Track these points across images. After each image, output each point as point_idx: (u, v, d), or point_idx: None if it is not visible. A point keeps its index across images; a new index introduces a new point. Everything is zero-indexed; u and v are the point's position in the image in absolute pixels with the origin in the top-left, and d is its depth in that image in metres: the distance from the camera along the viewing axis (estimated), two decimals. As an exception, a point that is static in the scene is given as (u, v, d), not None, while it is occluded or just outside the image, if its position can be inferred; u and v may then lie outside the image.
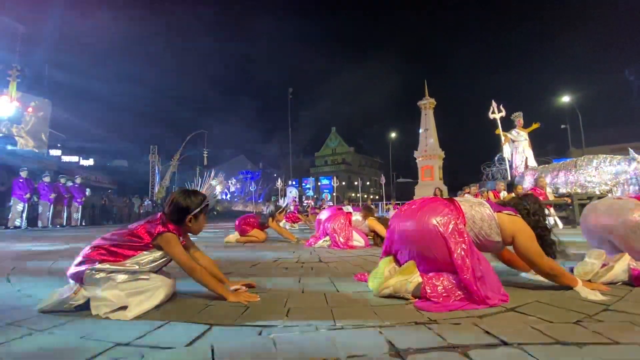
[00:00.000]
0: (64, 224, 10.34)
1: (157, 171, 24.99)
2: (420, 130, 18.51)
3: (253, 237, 4.45)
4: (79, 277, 1.37)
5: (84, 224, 11.30)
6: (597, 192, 6.96)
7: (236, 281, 1.76)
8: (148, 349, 0.96)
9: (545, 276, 1.56)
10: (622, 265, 1.68)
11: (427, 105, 18.44)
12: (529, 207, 1.65)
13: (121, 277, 1.37)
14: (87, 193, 11.71)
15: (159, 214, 1.59)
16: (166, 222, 1.52)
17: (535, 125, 9.28)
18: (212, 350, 0.94)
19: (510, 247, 1.67)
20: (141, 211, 16.87)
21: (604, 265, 1.70)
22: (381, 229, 3.75)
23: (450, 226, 1.47)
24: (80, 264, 1.39)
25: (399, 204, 9.34)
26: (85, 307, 1.32)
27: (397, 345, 0.95)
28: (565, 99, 24.09)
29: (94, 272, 1.35)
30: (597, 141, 26.74)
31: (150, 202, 18.94)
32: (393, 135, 34.46)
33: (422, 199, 1.73)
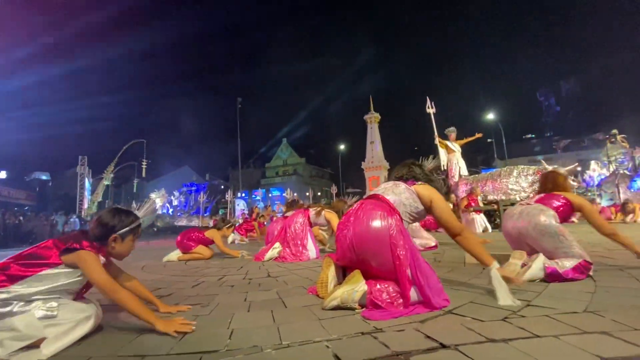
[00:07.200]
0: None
1: (86, 185, 22.30)
2: (367, 143, 19.31)
3: (197, 254, 4.16)
4: None
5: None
6: (518, 199, 7.87)
7: (172, 306, 1.62)
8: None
9: (459, 237, 1.64)
10: (538, 264, 1.89)
11: (373, 119, 19.33)
12: (431, 177, 1.87)
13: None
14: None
15: (77, 231, 1.42)
16: (81, 238, 1.33)
17: (467, 139, 10.30)
18: (141, 387, 0.84)
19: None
20: (66, 229, 14.81)
21: (523, 264, 1.90)
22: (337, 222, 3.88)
23: (393, 231, 1.51)
24: None
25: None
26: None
27: (343, 359, 0.95)
28: (490, 116, 27.48)
29: None
30: (518, 152, 30.96)
31: (77, 219, 16.61)
32: (342, 147, 35.65)
33: (357, 207, 1.70)
